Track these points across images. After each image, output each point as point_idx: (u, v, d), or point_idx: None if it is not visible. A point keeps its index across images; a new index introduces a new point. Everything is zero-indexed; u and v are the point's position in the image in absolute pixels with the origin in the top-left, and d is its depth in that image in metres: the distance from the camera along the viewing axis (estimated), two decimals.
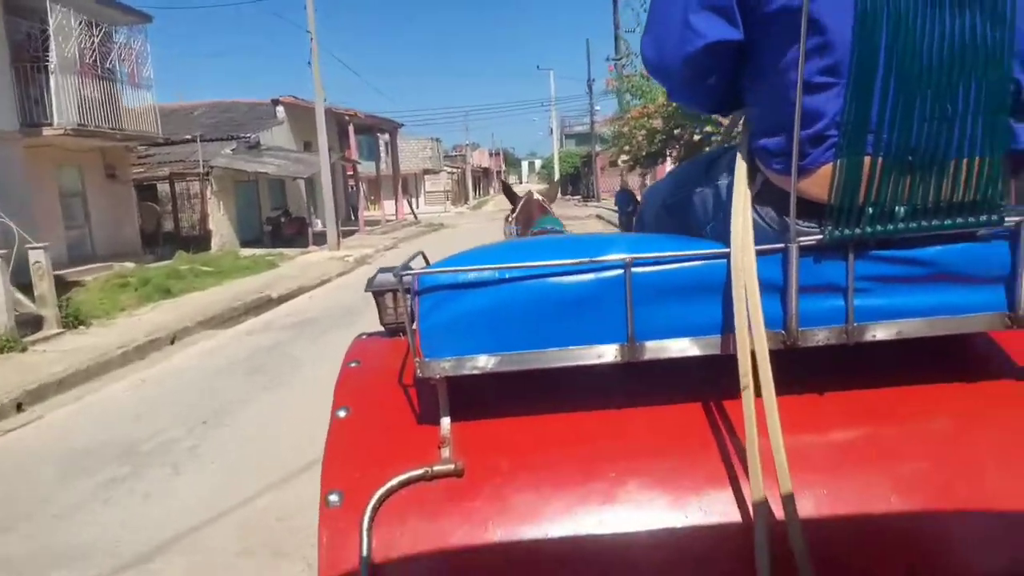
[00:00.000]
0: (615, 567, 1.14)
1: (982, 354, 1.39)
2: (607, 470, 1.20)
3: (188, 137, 20.86)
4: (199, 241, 20.15)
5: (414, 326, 1.24)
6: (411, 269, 1.31)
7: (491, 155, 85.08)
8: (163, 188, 21.48)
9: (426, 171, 50.11)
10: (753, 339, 1.15)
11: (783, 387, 1.16)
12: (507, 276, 1.22)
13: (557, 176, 53.61)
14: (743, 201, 1.23)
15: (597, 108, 48.62)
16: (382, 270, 1.57)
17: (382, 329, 1.67)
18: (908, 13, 1.08)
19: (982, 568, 1.15)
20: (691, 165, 1.57)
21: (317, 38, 20.25)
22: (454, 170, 56.06)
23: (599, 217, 30.46)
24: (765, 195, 1.26)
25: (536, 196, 3.11)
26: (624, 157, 24.41)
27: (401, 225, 30.71)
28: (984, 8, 1.09)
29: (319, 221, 25.56)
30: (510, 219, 3.26)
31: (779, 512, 1.10)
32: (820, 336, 1.22)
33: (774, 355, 1.16)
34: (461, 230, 28.94)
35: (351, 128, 25.97)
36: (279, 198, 24.85)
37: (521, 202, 3.14)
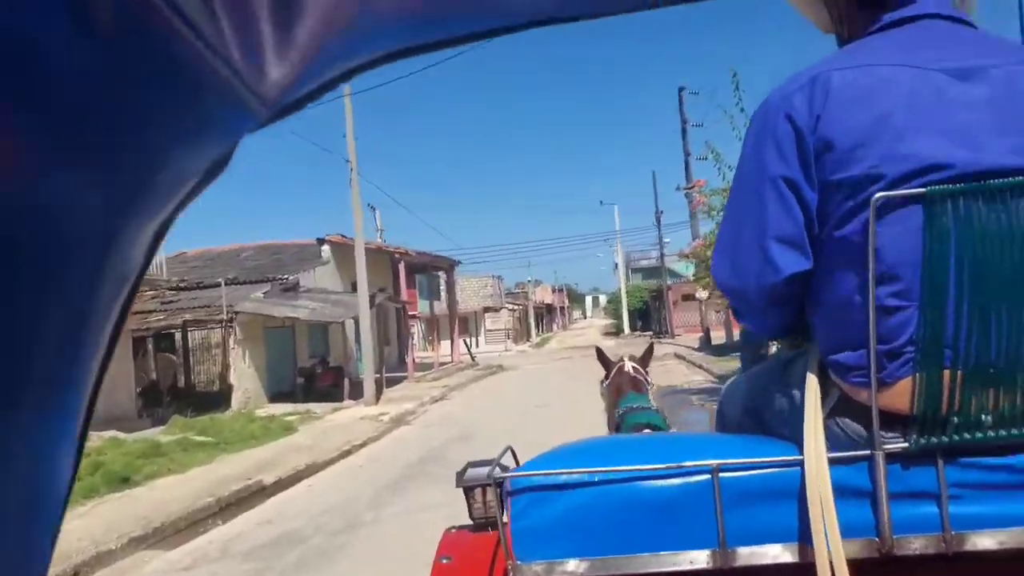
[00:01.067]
0: None
1: None
2: None
3: (219, 281, 18.68)
4: (216, 398, 17.48)
5: (506, 524, 1.29)
6: (503, 466, 1.36)
7: (554, 291, 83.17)
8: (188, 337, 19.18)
9: (486, 309, 47.87)
10: (831, 549, 1.15)
11: None
12: (597, 479, 1.26)
13: (625, 311, 50.60)
14: (815, 413, 1.26)
15: (666, 240, 46.05)
16: (471, 464, 1.59)
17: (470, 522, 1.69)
18: (972, 237, 1.12)
19: None
20: (766, 370, 1.58)
21: (357, 167, 18.22)
22: (515, 307, 53.78)
23: (677, 356, 26.95)
24: (843, 408, 1.28)
25: (628, 366, 2.89)
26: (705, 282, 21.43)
27: (456, 368, 27.82)
28: None
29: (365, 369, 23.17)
30: (603, 385, 3.06)
31: None
32: (916, 544, 1.21)
33: (871, 563, 1.19)
34: (522, 373, 25.87)
35: (401, 266, 23.76)
36: (319, 345, 22.32)
37: (613, 371, 2.93)
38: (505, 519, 1.30)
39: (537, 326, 66.64)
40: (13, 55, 0.40)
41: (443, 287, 54.94)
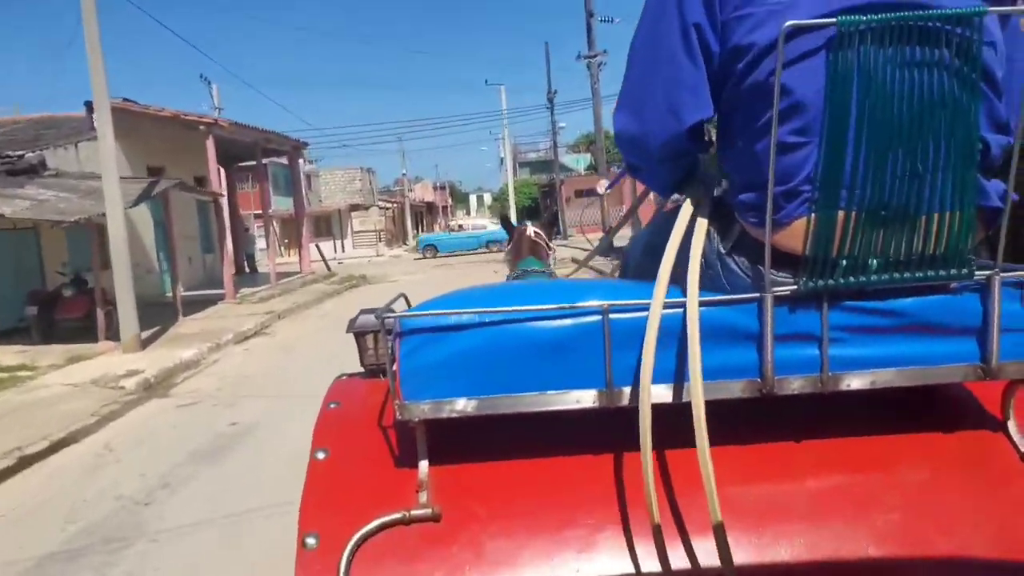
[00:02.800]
0: None
1: (955, 404, 1.41)
2: (585, 518, 1.23)
3: None
4: None
5: (394, 368, 1.25)
6: (392, 311, 1.28)
7: (435, 188, 76.40)
8: None
9: (353, 207, 40.91)
10: (692, 389, 1.18)
11: (762, 435, 1.30)
12: (487, 320, 1.24)
13: (513, 209, 45.15)
14: (694, 247, 1.27)
15: (561, 125, 40.27)
16: (364, 311, 1.60)
17: (361, 369, 1.65)
18: (877, 75, 1.12)
19: None
20: (671, 215, 1.47)
21: None
22: (390, 205, 47.02)
23: (576, 262, 21.79)
24: (742, 246, 1.30)
25: (529, 232, 2.91)
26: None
27: (301, 282, 21.63)
28: (952, 69, 1.12)
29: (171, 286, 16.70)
30: (505, 249, 3.21)
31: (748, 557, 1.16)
32: (795, 384, 1.24)
33: (753, 402, 1.24)
34: (388, 287, 20.03)
35: (210, 142, 16.96)
36: (83, 256, 15.46)
37: (515, 235, 2.99)
38: (394, 364, 1.26)
39: (417, 227, 60.15)
40: None
41: (305, 181, 47.34)
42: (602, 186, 26.54)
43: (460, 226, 35.88)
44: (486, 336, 1.24)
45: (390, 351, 1.27)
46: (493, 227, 35.81)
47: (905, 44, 1.12)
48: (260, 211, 29.12)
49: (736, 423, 1.28)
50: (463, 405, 1.24)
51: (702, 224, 1.31)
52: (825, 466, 1.27)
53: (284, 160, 47.86)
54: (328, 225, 39.75)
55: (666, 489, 1.25)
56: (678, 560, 1.17)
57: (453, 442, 1.31)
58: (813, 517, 1.21)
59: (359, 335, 1.59)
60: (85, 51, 11.27)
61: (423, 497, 1.24)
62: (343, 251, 39.01)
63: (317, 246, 26.94)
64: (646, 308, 1.22)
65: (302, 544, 1.20)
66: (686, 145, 1.31)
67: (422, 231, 61.36)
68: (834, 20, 1.10)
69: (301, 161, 50.04)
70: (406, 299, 1.55)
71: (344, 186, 45.14)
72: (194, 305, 16.17)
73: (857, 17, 1.10)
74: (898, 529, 1.20)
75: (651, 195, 1.72)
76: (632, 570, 1.18)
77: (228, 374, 9.58)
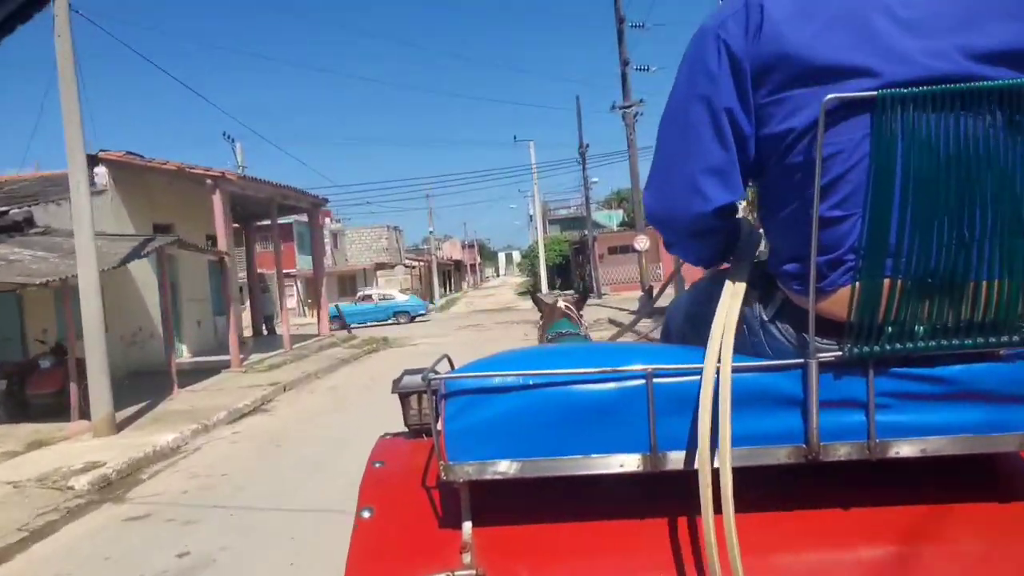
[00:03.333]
0: None
1: (1010, 474, 1.37)
2: None
3: None
4: None
5: (439, 428, 1.26)
6: (437, 372, 1.33)
7: (464, 247, 75.39)
8: None
9: (379, 266, 39.60)
10: (720, 456, 1.17)
11: (808, 502, 1.27)
12: (531, 383, 1.25)
13: (543, 267, 43.57)
14: (728, 314, 1.29)
15: (594, 180, 38.94)
16: (408, 372, 1.62)
17: (405, 429, 1.66)
18: (921, 146, 1.12)
19: None
20: (712, 280, 1.53)
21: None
22: (417, 263, 45.71)
23: (613, 323, 19.81)
24: (785, 313, 1.30)
25: (561, 303, 2.92)
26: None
27: (318, 345, 20.02)
28: (996, 138, 1.12)
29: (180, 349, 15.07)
30: (539, 325, 3.09)
31: None
32: (842, 451, 1.22)
33: (799, 469, 1.23)
34: (410, 351, 18.37)
35: (216, 197, 15.61)
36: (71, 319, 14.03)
37: (547, 311, 2.96)
38: (440, 424, 1.28)
39: (444, 285, 58.79)
40: None
41: (328, 241, 46.14)
42: (641, 242, 24.82)
43: (368, 296, 34.32)
44: (530, 398, 1.25)
45: (435, 412, 1.29)
46: (402, 297, 34.78)
47: (948, 114, 1.11)
48: (283, 270, 27.92)
49: (782, 489, 1.28)
50: (507, 467, 1.25)
51: (738, 293, 1.32)
52: (875, 535, 1.25)
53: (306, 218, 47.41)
54: (353, 284, 38.40)
55: (699, 555, 1.22)
56: None
57: (498, 503, 1.32)
58: None
59: (404, 395, 1.61)
60: (64, 101, 9.90)
61: (467, 558, 1.25)
62: None
63: (338, 306, 25.33)
64: (690, 373, 1.24)
65: None
66: (715, 224, 1.33)
67: (450, 290, 59.97)
68: (874, 94, 1.11)
69: (328, 220, 49.46)
70: (449, 360, 1.56)
71: (371, 244, 44.02)
72: (196, 374, 14.60)
73: (898, 91, 1.11)
74: None
75: None
76: None
77: (203, 471, 7.84)
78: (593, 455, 1.24)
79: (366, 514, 1.37)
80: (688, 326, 1.54)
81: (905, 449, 1.21)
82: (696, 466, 1.20)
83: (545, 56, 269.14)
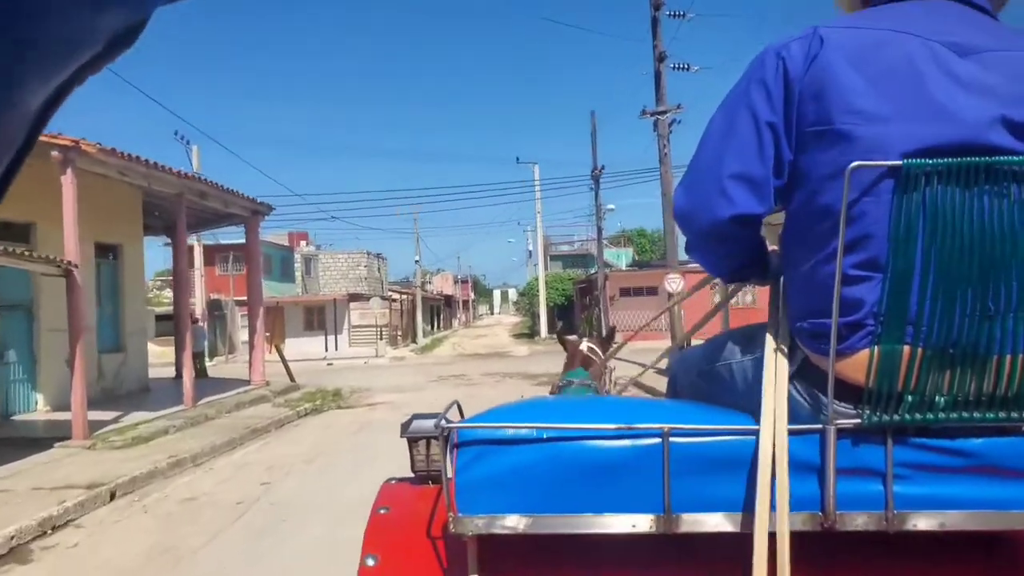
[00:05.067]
0: None
1: None
2: None
3: None
4: None
5: (449, 477, 1.27)
6: (450, 420, 1.30)
7: (456, 281, 70.01)
8: None
9: (352, 297, 33.97)
10: (777, 521, 1.16)
11: (823, 571, 1.26)
12: (545, 436, 1.24)
13: (543, 307, 38.20)
14: (776, 379, 1.26)
15: (610, 207, 33.75)
16: (417, 416, 1.52)
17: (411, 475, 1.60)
18: (946, 215, 1.11)
19: None
20: (729, 335, 1.53)
21: None
22: (400, 296, 40.13)
23: (641, 387, 14.22)
24: (803, 372, 1.28)
25: (584, 345, 2.84)
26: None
27: (237, 401, 14.50)
28: (1021, 209, 1.11)
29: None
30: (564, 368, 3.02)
31: None
32: (859, 521, 1.20)
33: (813, 537, 1.20)
34: (364, 418, 12.99)
35: (66, 179, 10.14)
36: None
37: (570, 352, 2.89)
38: (450, 472, 1.28)
39: (432, 322, 53.23)
40: None
41: (299, 266, 40.55)
42: (673, 283, 19.47)
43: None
44: (543, 452, 1.24)
45: (446, 461, 1.29)
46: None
47: (975, 185, 1.11)
48: (243, 297, 22.51)
49: (796, 557, 1.21)
50: (516, 522, 1.24)
51: (782, 350, 1.30)
52: None
53: (284, 240, 41.80)
54: (321, 317, 32.89)
55: None
56: None
57: (505, 555, 1.31)
58: None
59: (412, 440, 1.54)
60: None
61: None
62: (336, 349, 31.93)
63: (277, 347, 19.81)
64: (708, 433, 1.23)
65: None
66: (735, 231, 1.31)
67: (438, 327, 54.38)
68: (900, 163, 1.11)
69: (303, 243, 44.06)
70: (459, 407, 1.52)
71: (347, 272, 38.65)
72: (21, 446, 9.36)
73: (923, 161, 1.10)
74: None
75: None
76: None
77: None
78: (605, 514, 1.23)
79: (370, 562, 1.38)
80: (703, 382, 1.54)
81: (923, 522, 1.20)
82: (710, 528, 1.21)
83: (555, 61, 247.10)
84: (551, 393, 2.47)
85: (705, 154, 1.32)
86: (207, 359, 27.77)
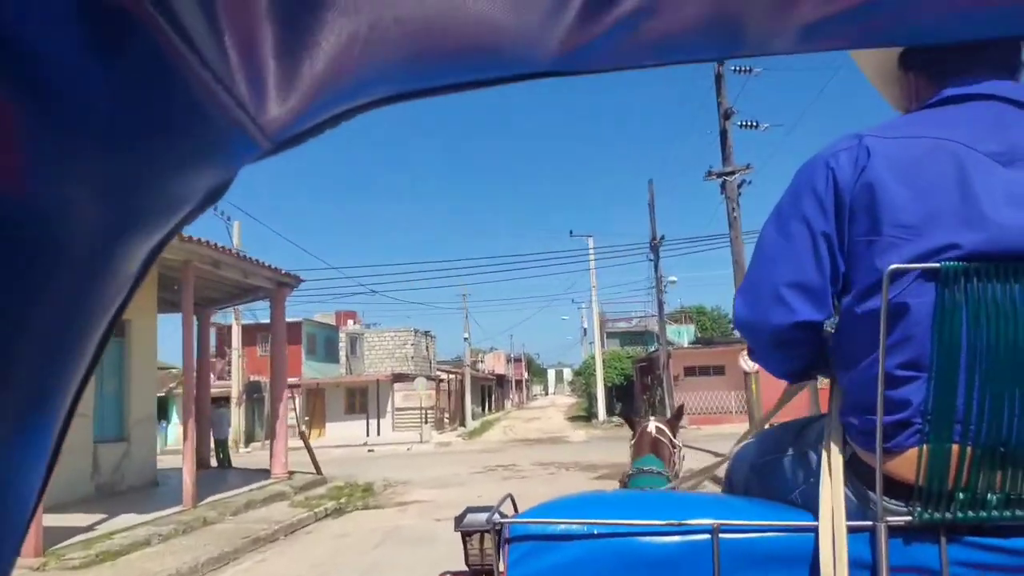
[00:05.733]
0: None
1: None
2: None
3: None
4: None
5: (501, 571, 1.33)
6: (503, 515, 1.37)
7: (509, 360, 67.88)
8: None
9: (397, 377, 32.10)
10: None
11: None
12: (595, 532, 1.27)
13: (600, 387, 35.80)
14: (834, 476, 1.26)
15: (672, 279, 31.58)
16: (470, 509, 1.61)
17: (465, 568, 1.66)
18: (988, 315, 1.12)
19: None
20: (782, 428, 1.57)
21: None
22: (447, 376, 38.19)
23: (720, 483, 11.93)
24: (853, 467, 1.28)
25: (651, 427, 2.65)
26: None
27: (248, 500, 12.55)
28: None
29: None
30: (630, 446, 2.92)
31: None
32: None
33: None
34: (394, 521, 10.89)
35: None
36: None
37: (637, 432, 2.71)
38: (502, 567, 1.31)
39: (483, 403, 51.05)
40: (21, 60, 0.40)
41: (343, 345, 39.20)
42: (749, 361, 17.08)
43: None
44: (593, 548, 1.26)
45: (498, 556, 1.35)
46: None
47: (1015, 283, 1.13)
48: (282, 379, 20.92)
49: None
50: None
51: (833, 443, 1.29)
52: None
53: (331, 320, 40.60)
54: (364, 400, 31.09)
55: None
56: None
57: None
58: None
59: (466, 533, 1.61)
60: None
61: None
62: (378, 434, 29.96)
63: (303, 435, 17.84)
64: (758, 529, 1.24)
65: None
66: (798, 336, 1.34)
67: (489, 409, 52.09)
68: (938, 265, 1.13)
69: (350, 322, 42.82)
70: (512, 501, 1.60)
71: (393, 351, 37.05)
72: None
73: (960, 264, 1.13)
74: None
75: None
76: None
77: None
78: None
79: None
80: (754, 477, 1.55)
81: None
82: None
83: (611, 129, 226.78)
84: (620, 485, 2.39)
85: (762, 264, 1.37)
86: (240, 445, 26.14)
